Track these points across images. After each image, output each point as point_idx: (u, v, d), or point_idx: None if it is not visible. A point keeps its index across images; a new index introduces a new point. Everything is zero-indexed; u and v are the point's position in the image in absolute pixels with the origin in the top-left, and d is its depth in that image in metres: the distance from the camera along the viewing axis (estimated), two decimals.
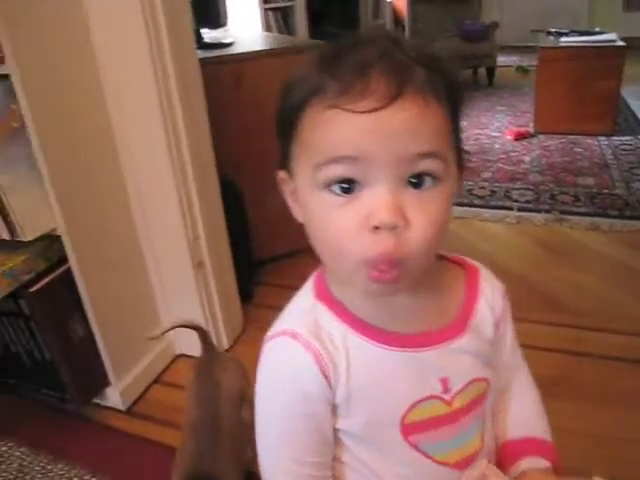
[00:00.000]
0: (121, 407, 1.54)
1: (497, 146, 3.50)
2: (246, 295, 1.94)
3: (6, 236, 1.26)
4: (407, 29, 5.56)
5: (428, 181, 0.48)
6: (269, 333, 0.59)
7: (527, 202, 2.66)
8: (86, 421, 1.51)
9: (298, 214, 0.56)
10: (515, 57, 5.82)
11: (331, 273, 0.59)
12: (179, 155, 1.48)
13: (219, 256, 1.70)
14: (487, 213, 2.57)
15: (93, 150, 1.39)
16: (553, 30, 3.91)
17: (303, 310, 0.59)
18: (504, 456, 0.67)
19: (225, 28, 2.46)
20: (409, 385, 0.57)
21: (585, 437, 1.27)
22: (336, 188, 0.48)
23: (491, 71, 5.01)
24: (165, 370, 1.69)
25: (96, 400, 1.54)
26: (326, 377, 0.55)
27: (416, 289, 0.56)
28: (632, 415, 1.37)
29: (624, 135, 3.51)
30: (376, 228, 0.46)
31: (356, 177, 0.47)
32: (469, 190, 2.81)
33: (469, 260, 0.66)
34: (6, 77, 1.15)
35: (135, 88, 1.40)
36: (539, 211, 2.55)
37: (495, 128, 3.85)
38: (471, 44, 4.77)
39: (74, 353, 1.42)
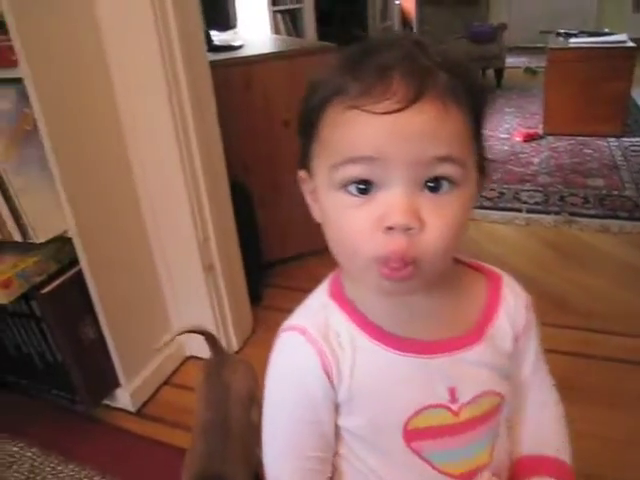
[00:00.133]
0: (131, 408, 1.54)
1: (506, 148, 3.48)
2: (255, 297, 1.94)
3: (18, 238, 1.27)
4: (415, 31, 5.57)
5: (445, 185, 0.48)
6: (283, 325, 0.60)
7: (536, 204, 2.65)
8: (96, 422, 1.52)
9: (317, 214, 0.56)
10: (523, 58, 5.77)
11: (346, 273, 0.59)
12: (189, 157, 1.49)
13: (229, 258, 1.70)
14: (496, 215, 2.56)
15: (104, 153, 1.40)
16: (562, 31, 3.88)
17: (315, 307, 0.59)
18: (516, 472, 0.65)
19: (234, 30, 2.47)
20: (415, 391, 0.56)
21: (593, 439, 1.26)
22: (353, 189, 0.48)
23: (499, 73, 4.98)
24: (175, 372, 1.69)
25: (106, 401, 1.55)
26: (328, 376, 0.55)
27: (432, 291, 0.55)
28: None
29: (634, 136, 3.48)
30: (389, 229, 0.46)
31: (373, 178, 0.48)
32: None
33: (488, 266, 0.64)
34: (19, 81, 1.16)
35: (146, 91, 1.41)
36: (548, 213, 2.54)
37: (504, 130, 3.83)
38: (479, 46, 4.75)
39: (85, 355, 1.43)
